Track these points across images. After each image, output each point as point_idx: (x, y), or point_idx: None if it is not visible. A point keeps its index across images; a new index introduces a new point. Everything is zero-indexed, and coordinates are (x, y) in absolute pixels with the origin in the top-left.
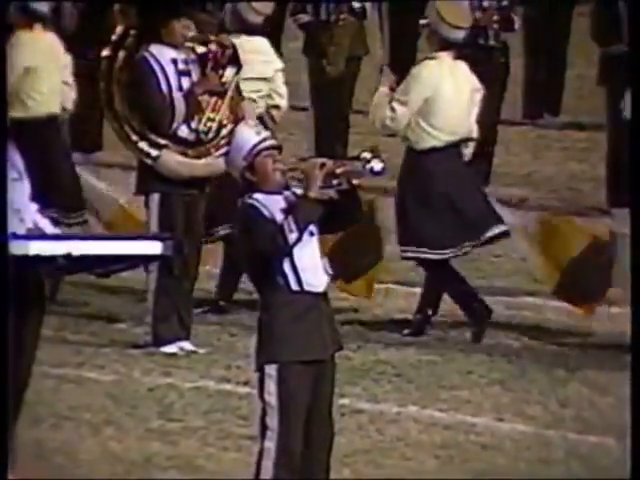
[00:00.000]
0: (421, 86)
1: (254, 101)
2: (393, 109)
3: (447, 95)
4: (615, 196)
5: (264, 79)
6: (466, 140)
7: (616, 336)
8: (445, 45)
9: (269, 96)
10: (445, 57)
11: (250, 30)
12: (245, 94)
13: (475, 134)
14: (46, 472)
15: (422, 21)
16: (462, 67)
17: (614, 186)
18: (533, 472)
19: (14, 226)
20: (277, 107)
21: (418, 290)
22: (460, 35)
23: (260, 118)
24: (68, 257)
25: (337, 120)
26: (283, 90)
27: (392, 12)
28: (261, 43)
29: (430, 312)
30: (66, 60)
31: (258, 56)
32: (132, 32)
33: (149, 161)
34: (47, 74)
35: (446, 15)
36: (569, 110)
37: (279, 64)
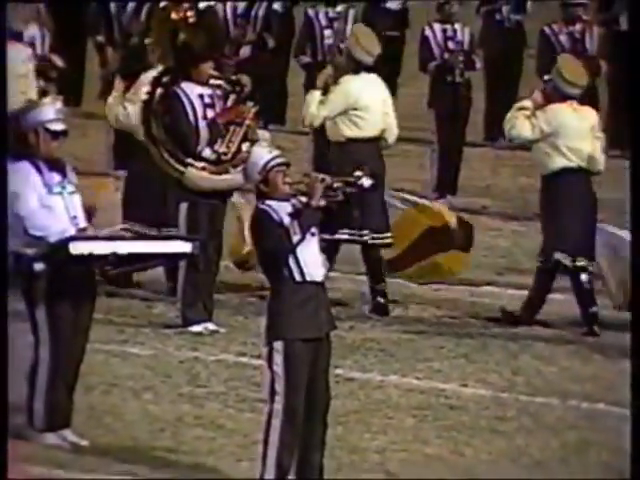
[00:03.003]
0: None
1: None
2: (125, 107)
3: None
4: None
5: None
6: None
7: (560, 318)
8: None
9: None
10: None
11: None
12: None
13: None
14: (96, 429)
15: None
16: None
17: None
18: (491, 427)
19: (71, 231)
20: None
21: (400, 281)
22: None
23: None
24: (115, 255)
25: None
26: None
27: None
28: (19, 50)
29: None
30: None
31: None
32: (168, 73)
33: (178, 176)
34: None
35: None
36: None
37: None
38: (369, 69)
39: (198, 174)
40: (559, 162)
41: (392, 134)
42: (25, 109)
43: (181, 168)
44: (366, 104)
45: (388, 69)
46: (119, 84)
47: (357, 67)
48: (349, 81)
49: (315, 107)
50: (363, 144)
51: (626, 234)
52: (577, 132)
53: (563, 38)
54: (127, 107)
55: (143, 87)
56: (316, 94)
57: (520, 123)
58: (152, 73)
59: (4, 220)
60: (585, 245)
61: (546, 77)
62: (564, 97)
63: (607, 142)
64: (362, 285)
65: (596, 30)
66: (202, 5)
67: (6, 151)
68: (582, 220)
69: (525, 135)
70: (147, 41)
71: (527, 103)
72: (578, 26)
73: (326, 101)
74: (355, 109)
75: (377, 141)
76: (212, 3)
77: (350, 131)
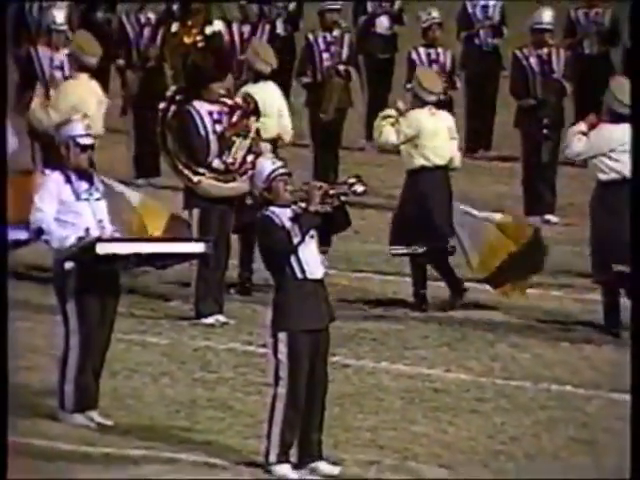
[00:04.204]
0: (67, 96)
1: None
2: (48, 113)
3: (88, 103)
4: (528, 208)
5: None
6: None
7: (531, 310)
8: (83, 68)
9: None
10: (83, 77)
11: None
12: None
13: (100, 131)
14: (119, 410)
15: (65, 51)
16: (94, 84)
17: (528, 201)
18: (471, 407)
19: (97, 233)
20: None
21: (389, 278)
22: (93, 60)
23: None
24: (137, 255)
25: (330, 154)
26: None
27: (369, 76)
28: None
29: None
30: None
31: None
32: (181, 92)
33: (191, 185)
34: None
35: (84, 45)
36: (497, 146)
37: None
38: (267, 77)
39: (209, 183)
40: (420, 160)
41: (288, 134)
42: (59, 125)
43: (195, 178)
44: (265, 109)
45: (381, 89)
46: (39, 90)
47: (257, 76)
48: (250, 89)
49: None
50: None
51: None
52: (435, 134)
53: (533, 60)
54: (50, 113)
55: (64, 94)
56: None
57: (386, 130)
58: (74, 82)
59: (4, 220)
60: (441, 231)
61: (408, 86)
62: (423, 103)
63: None
64: (355, 281)
65: (562, 53)
66: (209, 31)
67: (5, 152)
68: (440, 210)
69: (392, 140)
70: None
71: (391, 111)
72: (546, 50)
73: None
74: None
75: (275, 142)
76: (217, 29)
77: None
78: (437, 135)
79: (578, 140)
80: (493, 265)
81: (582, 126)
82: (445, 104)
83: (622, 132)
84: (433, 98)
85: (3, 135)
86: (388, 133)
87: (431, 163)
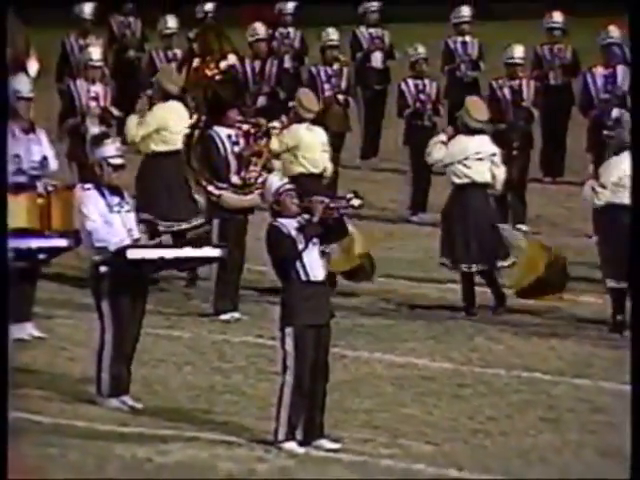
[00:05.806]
0: None
1: None
2: None
3: None
4: (503, 219)
5: None
6: None
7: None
8: None
9: None
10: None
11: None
12: None
13: None
14: (148, 395)
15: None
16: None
17: (502, 213)
18: (454, 392)
19: (127, 240)
20: None
21: (381, 279)
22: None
23: None
24: (162, 259)
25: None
26: None
27: (365, 104)
28: None
29: None
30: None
31: None
32: (203, 119)
33: (213, 198)
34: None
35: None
36: None
37: None
38: (177, 98)
39: (229, 196)
40: (298, 168)
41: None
42: (92, 146)
43: (217, 192)
44: (171, 125)
45: (376, 115)
46: None
47: (166, 96)
48: (160, 107)
49: (134, 128)
50: (168, 156)
51: None
52: (311, 146)
53: (506, 90)
54: None
55: None
56: (134, 118)
57: (272, 139)
58: None
59: (4, 222)
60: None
61: (290, 104)
62: (301, 120)
63: (542, 172)
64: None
65: (531, 84)
66: (223, 65)
67: (6, 152)
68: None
69: (274, 148)
70: None
71: (276, 124)
72: (517, 81)
73: (143, 122)
74: (165, 129)
75: (178, 154)
76: (232, 63)
77: (157, 146)
78: (313, 147)
79: (439, 149)
80: (349, 263)
81: (442, 137)
82: (430, 129)
83: (475, 143)
84: (310, 116)
85: (4, 139)
86: (272, 142)
87: (307, 170)
